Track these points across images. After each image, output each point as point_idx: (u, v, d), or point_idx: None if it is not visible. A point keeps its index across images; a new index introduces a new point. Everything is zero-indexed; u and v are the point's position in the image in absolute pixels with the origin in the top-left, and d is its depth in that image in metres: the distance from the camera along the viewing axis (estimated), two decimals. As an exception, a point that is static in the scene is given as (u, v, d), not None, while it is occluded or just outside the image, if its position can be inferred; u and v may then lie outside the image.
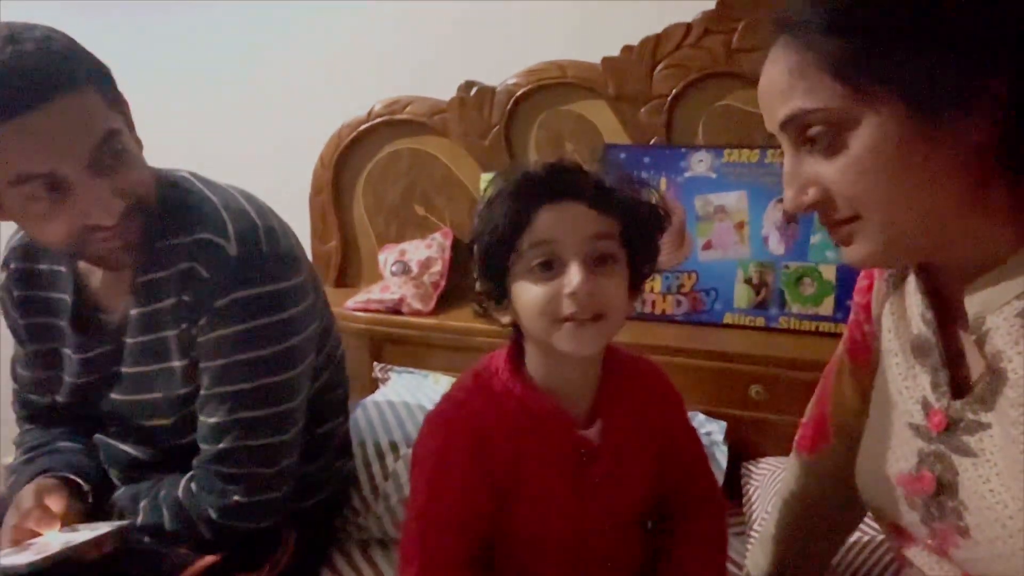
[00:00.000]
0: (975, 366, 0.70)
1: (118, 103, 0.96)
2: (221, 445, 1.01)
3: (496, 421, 0.83)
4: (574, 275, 0.76)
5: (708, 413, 1.49)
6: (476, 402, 0.85)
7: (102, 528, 0.96)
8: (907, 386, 0.76)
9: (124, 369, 1.07)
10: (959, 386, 0.71)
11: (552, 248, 0.77)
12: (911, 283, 0.78)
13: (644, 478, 0.90)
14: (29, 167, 0.88)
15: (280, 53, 2.07)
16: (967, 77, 0.60)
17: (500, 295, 0.83)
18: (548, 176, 0.80)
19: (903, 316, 0.79)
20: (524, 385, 0.84)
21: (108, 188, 0.92)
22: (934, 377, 0.73)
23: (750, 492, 1.34)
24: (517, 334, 0.87)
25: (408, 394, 1.52)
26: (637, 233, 0.82)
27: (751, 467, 1.40)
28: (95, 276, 1.08)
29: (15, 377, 1.21)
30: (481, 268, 0.84)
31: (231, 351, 0.99)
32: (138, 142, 0.99)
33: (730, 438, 1.45)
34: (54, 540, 0.93)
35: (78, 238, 0.94)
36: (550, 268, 0.78)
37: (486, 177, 1.77)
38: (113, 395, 1.08)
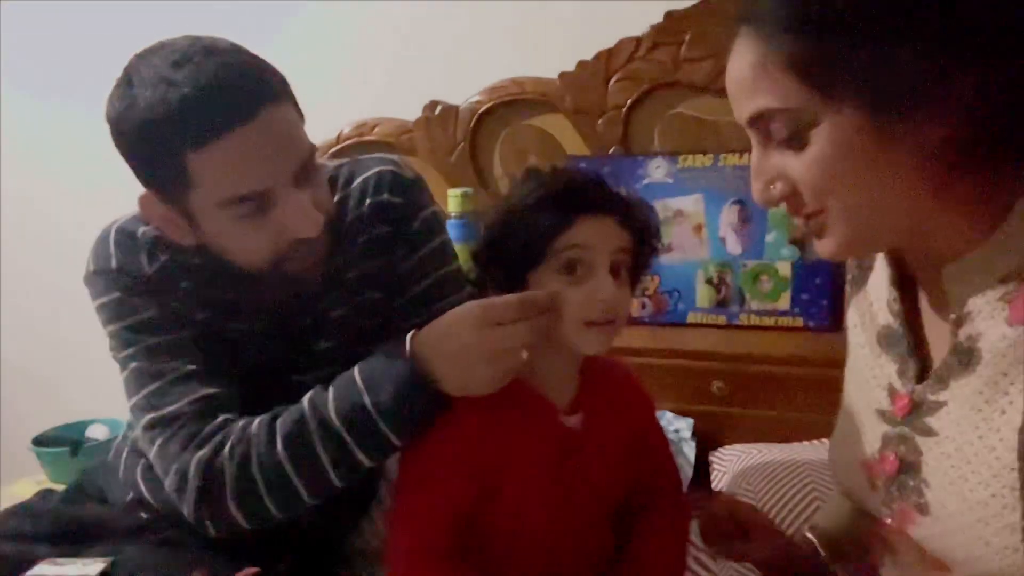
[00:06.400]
0: (938, 351, 0.72)
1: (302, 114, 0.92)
2: None
3: (483, 420, 0.85)
4: (606, 283, 0.82)
5: (674, 411, 1.53)
6: (461, 404, 0.86)
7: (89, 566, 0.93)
8: (874, 375, 0.79)
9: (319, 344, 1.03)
10: (923, 371, 0.73)
11: (583, 253, 0.82)
12: (875, 276, 0.81)
13: (621, 471, 0.94)
14: (242, 187, 0.84)
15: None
16: (931, 76, 0.59)
17: (512, 288, 0.85)
18: (590, 188, 0.85)
19: (868, 310, 0.82)
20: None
21: (311, 201, 0.89)
22: (901, 364, 0.75)
23: (718, 478, 1.40)
24: None
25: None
26: (644, 251, 0.89)
27: (718, 454, 1.45)
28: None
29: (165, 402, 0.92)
30: (500, 258, 0.86)
31: (440, 264, 1.04)
32: None
33: (696, 433, 1.50)
34: (48, 571, 0.91)
35: (280, 255, 0.89)
36: (572, 272, 0.83)
37: (453, 193, 1.82)
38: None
